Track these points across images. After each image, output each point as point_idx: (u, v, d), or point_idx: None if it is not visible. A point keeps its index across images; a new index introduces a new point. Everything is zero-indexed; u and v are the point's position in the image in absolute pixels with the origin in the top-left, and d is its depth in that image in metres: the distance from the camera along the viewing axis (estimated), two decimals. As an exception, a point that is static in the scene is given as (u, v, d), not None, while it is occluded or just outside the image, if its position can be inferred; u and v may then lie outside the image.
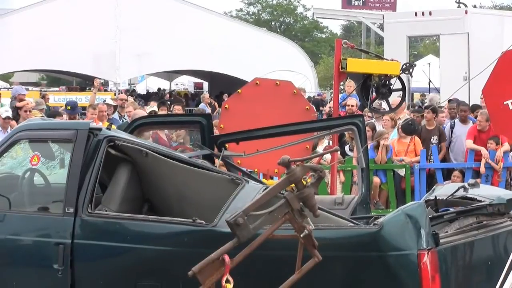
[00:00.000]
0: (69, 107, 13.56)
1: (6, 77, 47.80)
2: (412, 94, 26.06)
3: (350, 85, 14.19)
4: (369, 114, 12.99)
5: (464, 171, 12.31)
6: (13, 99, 15.93)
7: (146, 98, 34.35)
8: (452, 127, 13.20)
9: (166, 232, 5.34)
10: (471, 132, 12.61)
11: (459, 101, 14.50)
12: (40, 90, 33.33)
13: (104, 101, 16.11)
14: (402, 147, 12.56)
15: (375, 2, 52.81)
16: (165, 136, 10.86)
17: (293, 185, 4.52)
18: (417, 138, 12.63)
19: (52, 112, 14.06)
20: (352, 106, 13.62)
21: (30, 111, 12.74)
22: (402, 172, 12.35)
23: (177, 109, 14.24)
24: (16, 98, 15.63)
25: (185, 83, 51.29)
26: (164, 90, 42.88)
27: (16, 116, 13.93)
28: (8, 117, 11.63)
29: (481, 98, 15.57)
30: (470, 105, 15.06)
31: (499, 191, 7.07)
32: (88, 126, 5.76)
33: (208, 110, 21.58)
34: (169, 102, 17.26)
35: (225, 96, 26.34)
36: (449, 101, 14.42)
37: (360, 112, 13.13)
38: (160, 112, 13.72)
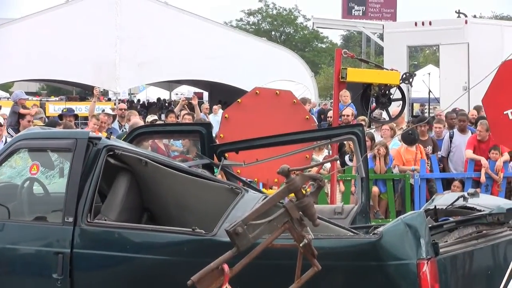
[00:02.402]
0: (65, 110, 15.12)
1: (6, 87, 47.87)
2: (412, 104, 26.05)
3: (346, 95, 14.14)
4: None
5: (464, 181, 12.29)
6: (14, 104, 16.02)
7: (146, 108, 34.38)
8: (451, 137, 13.18)
9: (165, 241, 5.33)
10: (470, 142, 12.59)
11: (457, 111, 14.49)
12: (40, 100, 33.35)
13: (103, 110, 16.13)
14: (411, 156, 12.49)
15: (375, 12, 53.02)
16: (163, 146, 10.83)
17: (292, 194, 4.51)
18: (422, 147, 12.61)
19: (51, 122, 14.07)
20: (348, 116, 13.55)
21: (32, 122, 12.75)
22: (411, 181, 12.29)
23: (188, 119, 14.00)
24: (17, 103, 15.70)
25: (185, 93, 51.25)
26: (164, 99, 42.82)
27: (16, 124, 13.95)
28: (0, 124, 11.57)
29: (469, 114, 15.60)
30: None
31: (498, 200, 7.08)
32: (87, 136, 5.75)
33: (208, 119, 21.53)
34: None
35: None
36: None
37: (356, 122, 13.09)
38: (169, 120, 13.67)
